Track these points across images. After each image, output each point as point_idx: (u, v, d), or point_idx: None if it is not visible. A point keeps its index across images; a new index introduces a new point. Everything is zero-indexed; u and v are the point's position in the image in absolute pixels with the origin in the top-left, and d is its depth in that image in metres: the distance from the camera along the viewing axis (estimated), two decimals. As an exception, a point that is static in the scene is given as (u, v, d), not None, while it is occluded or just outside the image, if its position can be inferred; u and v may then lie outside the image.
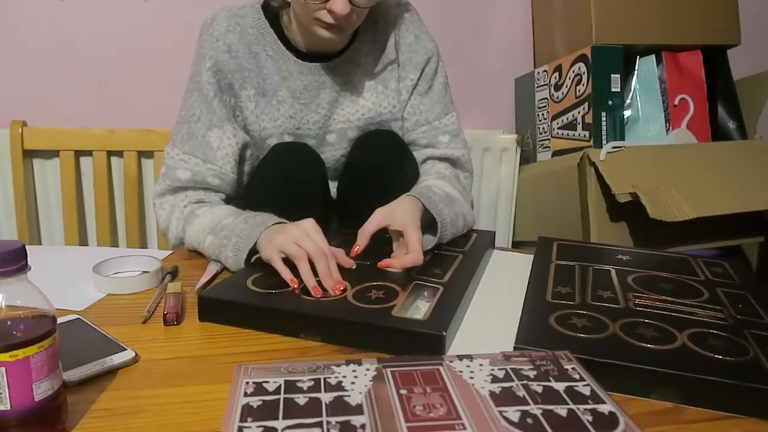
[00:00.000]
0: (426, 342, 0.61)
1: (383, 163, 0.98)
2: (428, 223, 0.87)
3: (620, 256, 0.88)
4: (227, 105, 0.95)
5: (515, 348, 0.59)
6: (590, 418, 0.45)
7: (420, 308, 0.67)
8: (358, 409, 0.46)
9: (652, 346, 0.59)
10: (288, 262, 0.73)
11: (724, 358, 0.57)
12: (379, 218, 0.80)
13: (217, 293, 0.72)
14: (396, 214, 0.80)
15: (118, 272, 0.85)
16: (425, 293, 0.71)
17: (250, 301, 0.69)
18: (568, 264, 0.83)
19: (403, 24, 1.01)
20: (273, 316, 0.67)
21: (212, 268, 0.83)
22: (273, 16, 0.97)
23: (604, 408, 0.46)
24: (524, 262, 0.88)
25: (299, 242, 0.72)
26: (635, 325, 0.63)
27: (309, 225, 0.75)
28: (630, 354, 0.57)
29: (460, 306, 0.69)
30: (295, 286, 0.71)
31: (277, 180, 0.94)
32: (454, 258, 0.84)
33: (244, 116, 0.98)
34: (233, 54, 0.95)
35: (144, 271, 0.84)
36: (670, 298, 0.71)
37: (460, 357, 0.55)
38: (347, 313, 0.65)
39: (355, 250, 0.79)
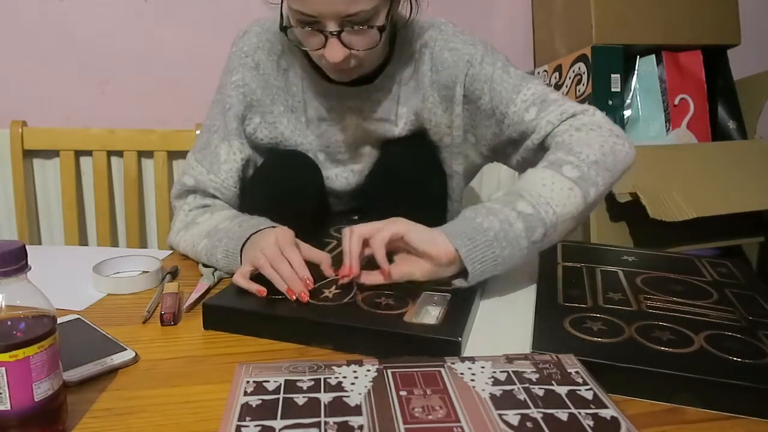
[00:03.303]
0: (442, 348, 0.59)
1: (405, 174, 0.94)
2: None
3: (625, 257, 0.88)
4: (239, 119, 0.94)
5: (532, 352, 0.58)
6: (591, 423, 0.45)
7: (431, 314, 0.66)
8: (356, 410, 0.46)
9: (671, 349, 0.58)
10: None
11: (744, 361, 0.56)
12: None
13: (222, 301, 0.69)
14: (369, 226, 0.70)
15: (118, 272, 0.85)
16: (435, 300, 0.70)
17: (256, 308, 0.67)
18: (575, 266, 0.83)
19: (436, 45, 0.92)
20: (282, 324, 0.65)
21: (204, 283, 0.81)
22: None
23: (606, 413, 0.46)
24: (529, 262, 0.88)
25: (264, 251, 0.70)
26: (651, 328, 0.63)
27: (278, 235, 0.72)
28: (651, 358, 0.56)
29: (471, 311, 0.68)
30: (263, 295, 0.68)
31: (271, 186, 0.94)
32: None
33: (279, 131, 0.97)
34: (261, 71, 0.94)
35: (144, 271, 0.84)
36: (680, 300, 0.71)
37: (462, 359, 0.55)
38: (358, 320, 0.64)
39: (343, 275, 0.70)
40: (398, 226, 0.68)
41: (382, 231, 0.68)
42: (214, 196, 0.94)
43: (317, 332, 0.64)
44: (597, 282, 0.77)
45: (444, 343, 0.60)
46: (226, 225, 0.84)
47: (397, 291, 0.71)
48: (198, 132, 1.21)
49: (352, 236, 0.69)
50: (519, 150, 0.90)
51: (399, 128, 0.96)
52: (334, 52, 0.78)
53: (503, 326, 0.68)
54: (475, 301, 0.70)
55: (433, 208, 0.97)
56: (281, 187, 0.94)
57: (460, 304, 0.68)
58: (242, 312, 0.68)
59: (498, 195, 0.75)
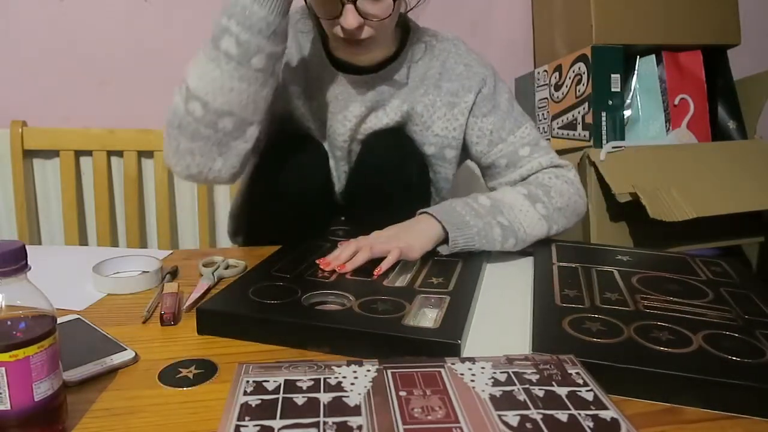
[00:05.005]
0: (441, 350, 0.59)
1: (384, 165, 0.97)
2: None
3: (620, 257, 0.88)
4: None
5: (533, 354, 0.57)
6: (591, 424, 0.45)
7: (429, 317, 0.66)
8: (356, 410, 0.46)
9: (670, 349, 0.58)
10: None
11: (743, 361, 0.56)
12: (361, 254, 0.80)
13: (217, 305, 0.68)
14: (368, 238, 0.82)
15: (118, 272, 0.85)
16: (432, 303, 0.69)
17: (252, 313, 0.66)
18: (570, 266, 0.83)
19: (449, 56, 0.99)
20: (278, 328, 0.64)
21: (204, 283, 0.80)
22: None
23: (606, 414, 0.46)
24: (523, 262, 0.88)
25: None
26: (649, 328, 0.63)
27: None
28: (652, 359, 0.56)
29: (469, 313, 0.67)
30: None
31: (276, 169, 0.94)
32: (455, 264, 0.82)
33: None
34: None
35: (144, 271, 0.84)
36: (677, 299, 0.71)
37: (462, 359, 0.55)
38: (356, 323, 0.63)
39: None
40: (394, 255, 0.79)
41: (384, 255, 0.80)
42: None
43: (314, 336, 0.63)
44: (593, 282, 0.77)
45: (443, 345, 0.60)
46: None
47: (393, 295, 0.71)
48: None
49: (349, 250, 0.80)
50: (496, 177, 1.02)
51: (387, 118, 0.98)
52: (349, 19, 0.80)
53: (501, 327, 0.68)
54: (472, 303, 0.70)
55: (413, 197, 0.99)
56: (287, 168, 0.94)
57: (458, 305, 0.68)
58: (238, 317, 0.66)
59: (484, 200, 0.90)
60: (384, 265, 0.78)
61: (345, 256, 0.79)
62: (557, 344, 0.59)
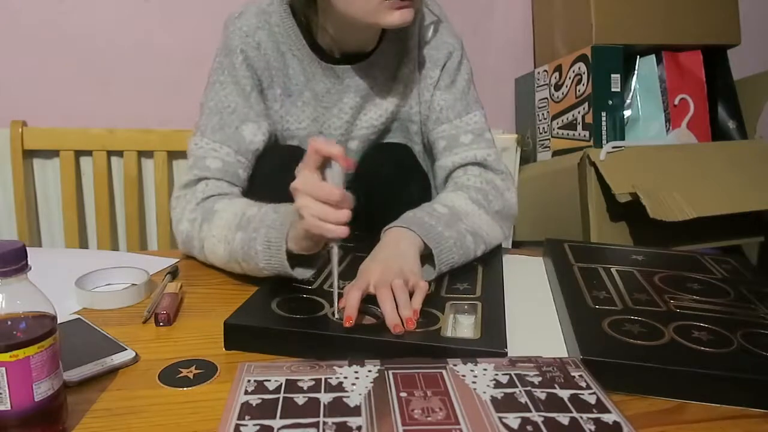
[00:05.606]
0: None
1: (385, 180, 0.94)
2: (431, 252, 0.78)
3: (634, 256, 0.88)
4: (259, 99, 0.93)
5: (583, 360, 0.56)
6: (593, 428, 0.45)
7: (464, 324, 0.65)
8: (356, 411, 0.46)
9: (713, 349, 0.58)
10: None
11: None
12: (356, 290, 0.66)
13: (245, 320, 0.64)
14: (370, 278, 0.68)
15: (110, 283, 0.81)
16: (465, 310, 0.68)
17: (286, 327, 0.63)
18: (590, 266, 0.82)
19: (424, 20, 0.96)
20: (314, 341, 0.61)
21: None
22: (299, 14, 0.93)
23: (609, 417, 0.46)
24: (535, 264, 0.88)
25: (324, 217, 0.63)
26: (688, 329, 0.62)
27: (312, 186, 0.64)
28: (702, 360, 0.56)
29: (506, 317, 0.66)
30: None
31: (276, 180, 0.93)
32: (476, 268, 0.81)
33: (269, 115, 0.96)
34: (262, 51, 0.92)
35: (133, 284, 0.79)
36: (703, 298, 0.71)
37: (465, 361, 0.55)
38: (397, 335, 0.60)
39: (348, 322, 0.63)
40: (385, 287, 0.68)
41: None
42: (235, 182, 0.88)
43: (354, 349, 0.59)
44: (617, 283, 0.77)
45: (491, 356, 0.57)
46: (255, 211, 0.77)
47: (422, 305, 0.66)
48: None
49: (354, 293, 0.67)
50: (430, 158, 0.99)
51: (389, 104, 0.97)
52: None
53: (535, 331, 0.67)
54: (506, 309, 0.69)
55: (414, 206, 0.95)
56: (284, 179, 0.92)
57: (493, 311, 0.67)
58: (273, 332, 0.63)
59: (440, 209, 0.84)
60: (417, 306, 0.66)
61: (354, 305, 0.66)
62: (607, 349, 0.58)
